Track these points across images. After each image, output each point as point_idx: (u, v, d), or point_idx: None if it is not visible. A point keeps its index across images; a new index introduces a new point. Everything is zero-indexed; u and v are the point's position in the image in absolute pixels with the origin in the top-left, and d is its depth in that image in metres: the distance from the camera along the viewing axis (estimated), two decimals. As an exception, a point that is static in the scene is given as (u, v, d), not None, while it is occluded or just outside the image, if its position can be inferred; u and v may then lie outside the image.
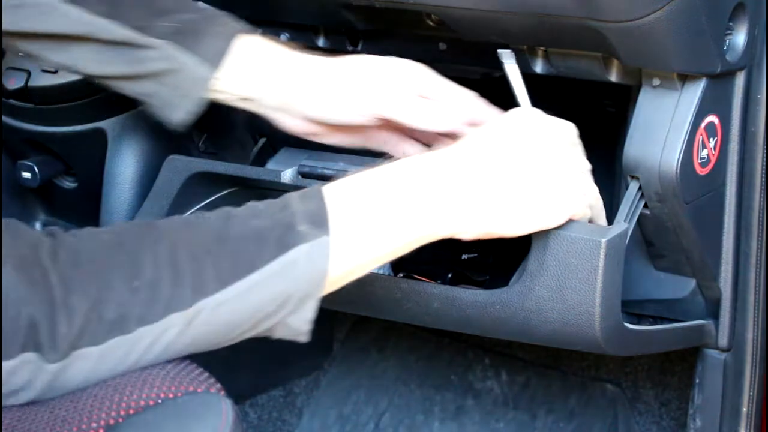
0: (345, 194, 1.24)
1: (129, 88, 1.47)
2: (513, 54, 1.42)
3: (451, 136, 1.43)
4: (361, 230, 1.23)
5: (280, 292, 1.19)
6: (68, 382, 1.15)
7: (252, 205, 1.23)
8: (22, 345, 1.11)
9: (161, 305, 1.15)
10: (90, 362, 1.14)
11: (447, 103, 1.43)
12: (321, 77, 1.44)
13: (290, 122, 1.48)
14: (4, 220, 1.15)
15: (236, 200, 1.59)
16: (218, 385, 1.16)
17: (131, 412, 1.13)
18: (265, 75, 1.45)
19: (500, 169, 1.28)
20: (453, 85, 1.45)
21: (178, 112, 1.45)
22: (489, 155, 1.29)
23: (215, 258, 1.17)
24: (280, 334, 1.23)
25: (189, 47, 1.43)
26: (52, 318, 1.11)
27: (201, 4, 1.51)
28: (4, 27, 1.44)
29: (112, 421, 1.12)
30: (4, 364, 1.11)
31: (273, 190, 1.50)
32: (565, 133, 1.34)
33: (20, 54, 1.54)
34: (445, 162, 1.28)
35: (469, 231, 1.28)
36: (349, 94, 1.44)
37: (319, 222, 1.20)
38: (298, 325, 1.22)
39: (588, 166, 1.36)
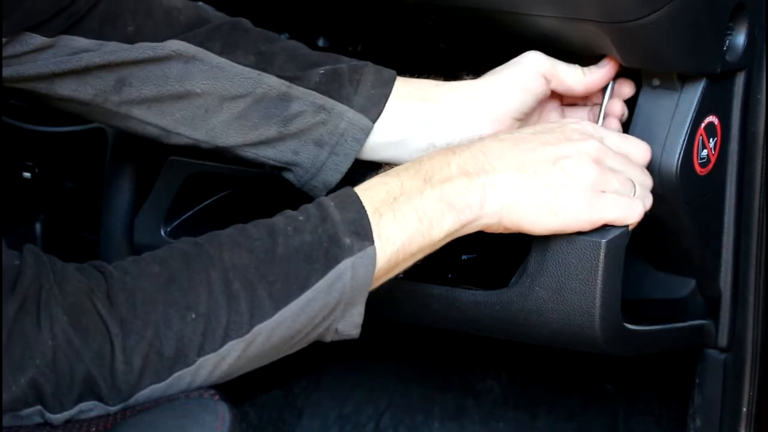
0: (380, 195, 1.24)
1: (270, 154, 1.40)
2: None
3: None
4: (400, 230, 1.23)
5: (328, 303, 1.20)
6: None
7: (291, 216, 1.22)
8: (79, 396, 1.12)
9: (219, 334, 1.16)
10: (155, 396, 1.15)
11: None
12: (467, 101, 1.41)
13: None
14: (46, 257, 1.14)
15: (236, 201, 1.59)
16: (212, 390, 1.16)
17: (128, 414, 1.14)
18: (421, 111, 1.41)
19: (530, 167, 1.28)
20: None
21: (325, 172, 1.40)
22: (522, 150, 1.29)
23: (268, 281, 1.17)
24: (330, 338, 1.25)
25: (345, 97, 1.38)
26: (111, 367, 1.12)
27: (343, 57, 1.42)
28: (131, 96, 1.39)
29: (110, 425, 1.13)
30: (60, 415, 1.12)
31: (273, 192, 1.50)
32: (596, 150, 1.32)
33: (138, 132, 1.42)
34: (474, 153, 1.28)
35: (498, 221, 1.28)
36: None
37: (363, 233, 1.21)
38: (348, 330, 1.24)
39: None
